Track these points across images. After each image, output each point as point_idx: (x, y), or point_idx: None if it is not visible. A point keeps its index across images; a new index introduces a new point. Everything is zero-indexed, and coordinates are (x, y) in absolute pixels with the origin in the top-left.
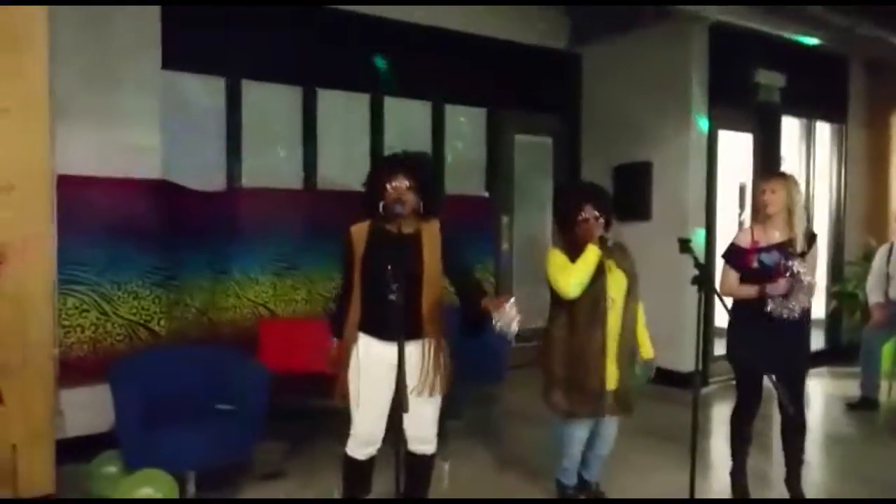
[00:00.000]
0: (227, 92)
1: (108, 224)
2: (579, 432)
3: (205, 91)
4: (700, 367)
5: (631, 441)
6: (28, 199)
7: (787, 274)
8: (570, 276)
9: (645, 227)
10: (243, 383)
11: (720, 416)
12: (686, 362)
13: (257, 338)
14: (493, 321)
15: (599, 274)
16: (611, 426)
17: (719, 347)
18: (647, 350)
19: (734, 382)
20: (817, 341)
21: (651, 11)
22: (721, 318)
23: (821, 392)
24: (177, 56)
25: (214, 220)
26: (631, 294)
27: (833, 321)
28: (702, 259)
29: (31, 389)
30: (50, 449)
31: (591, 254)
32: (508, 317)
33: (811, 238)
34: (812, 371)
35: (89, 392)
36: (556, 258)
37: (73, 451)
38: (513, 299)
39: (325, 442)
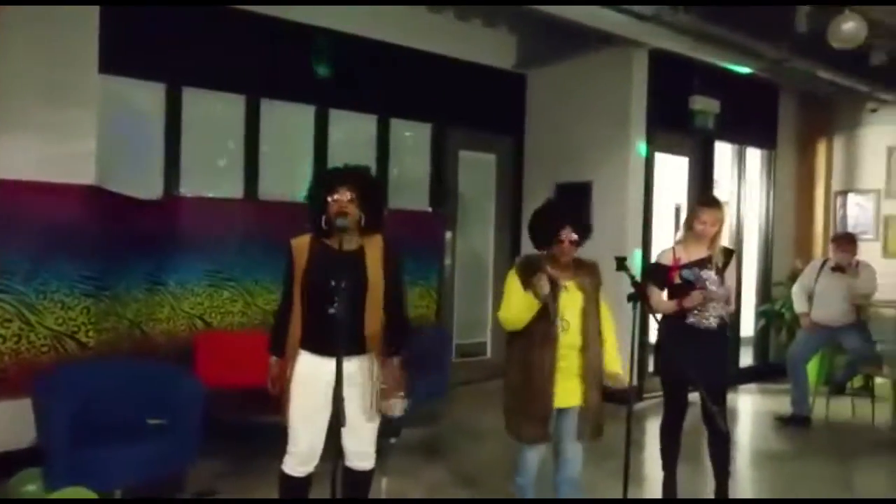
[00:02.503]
0: (166, 98)
1: (36, 230)
2: (532, 455)
3: (144, 97)
4: (635, 382)
5: None
6: None
7: (700, 286)
8: (506, 313)
9: (585, 246)
10: (177, 398)
11: (655, 430)
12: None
13: (193, 351)
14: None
15: (553, 297)
16: (574, 448)
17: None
18: (613, 365)
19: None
20: (746, 358)
21: (594, 37)
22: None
23: (750, 408)
24: (115, 60)
25: (150, 228)
26: (588, 313)
27: (761, 339)
28: (638, 277)
29: None
30: None
31: (528, 303)
32: (394, 407)
33: (728, 254)
34: (741, 387)
35: (9, 406)
36: (510, 284)
37: None
38: (402, 394)
39: (261, 459)
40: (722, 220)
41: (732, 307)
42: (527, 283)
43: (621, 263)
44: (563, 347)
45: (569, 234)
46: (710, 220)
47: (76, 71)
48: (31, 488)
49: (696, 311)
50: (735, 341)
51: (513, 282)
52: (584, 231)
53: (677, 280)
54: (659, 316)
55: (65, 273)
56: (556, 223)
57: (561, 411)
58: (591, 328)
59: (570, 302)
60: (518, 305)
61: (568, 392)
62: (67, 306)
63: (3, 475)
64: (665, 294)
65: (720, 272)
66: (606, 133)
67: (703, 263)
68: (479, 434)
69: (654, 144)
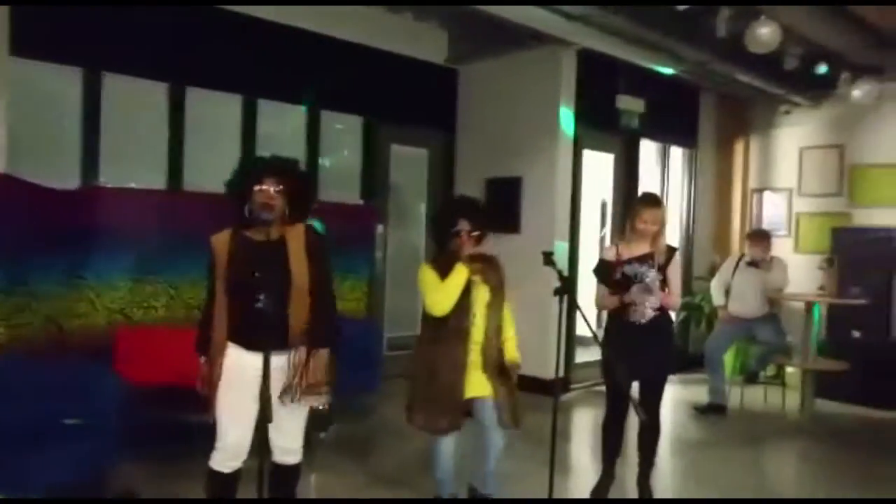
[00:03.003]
0: (83, 83)
1: None
2: (444, 446)
3: (60, 82)
4: (562, 374)
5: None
6: None
7: (637, 281)
8: (438, 296)
9: (514, 240)
10: (95, 396)
11: (581, 421)
12: (550, 370)
13: (113, 347)
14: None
15: (465, 290)
16: (494, 437)
17: (582, 355)
18: (511, 353)
19: (599, 389)
20: None
21: (525, 35)
22: (583, 328)
23: (670, 398)
24: (29, 43)
25: (67, 220)
26: (493, 307)
27: (682, 331)
28: (565, 271)
29: None
30: None
31: (460, 275)
32: (317, 400)
33: (671, 251)
34: None
35: None
36: (427, 275)
37: None
38: (327, 388)
39: (185, 459)
40: (663, 219)
41: (678, 302)
42: (444, 273)
43: (548, 258)
44: (472, 342)
45: (465, 225)
46: (651, 218)
47: None
48: None
49: (635, 307)
50: None
51: (429, 273)
52: (482, 224)
53: (617, 276)
54: (590, 314)
55: None
56: (453, 217)
57: (476, 401)
58: (493, 323)
59: (478, 296)
60: (447, 287)
61: (477, 383)
62: None
63: None
64: (607, 291)
65: (661, 269)
66: (536, 130)
67: (643, 260)
68: (407, 430)
69: (581, 141)
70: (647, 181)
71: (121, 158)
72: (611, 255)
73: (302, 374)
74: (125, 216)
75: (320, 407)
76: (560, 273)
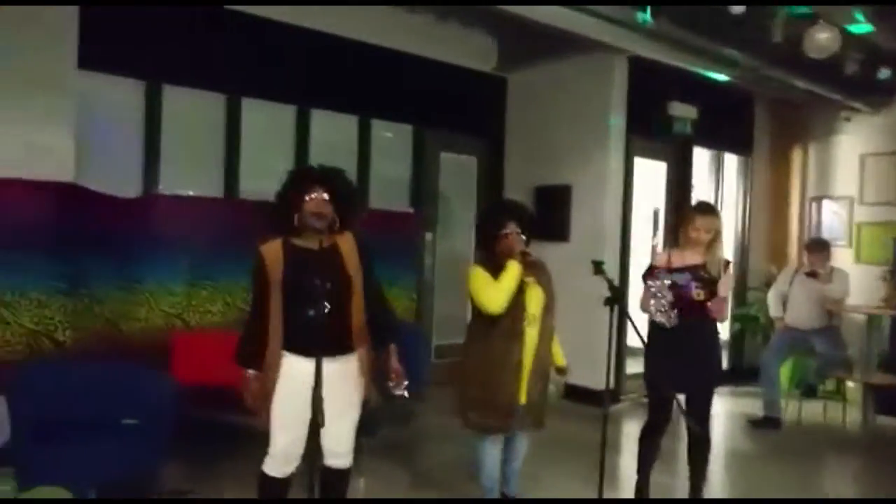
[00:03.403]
0: (146, 95)
1: (12, 227)
2: (493, 448)
3: (123, 93)
4: (611, 384)
5: (542, 457)
6: None
7: (685, 291)
8: (494, 293)
9: (563, 248)
10: (151, 397)
11: (631, 432)
12: (599, 380)
13: (169, 350)
14: (389, 383)
15: (519, 290)
16: (522, 440)
17: (632, 366)
18: (559, 359)
19: (646, 400)
20: (722, 361)
21: (574, 42)
22: (634, 338)
23: (724, 411)
24: (95, 56)
25: (129, 226)
26: (548, 310)
27: (736, 343)
28: (615, 280)
29: None
30: None
31: (513, 269)
32: (400, 387)
33: (725, 264)
34: (716, 390)
35: None
36: (479, 275)
37: None
38: (405, 382)
39: (236, 459)
40: (717, 227)
41: (727, 315)
42: (495, 273)
43: (598, 267)
44: (526, 343)
45: (513, 228)
46: (705, 226)
47: (55, 66)
48: (5, 488)
49: (664, 312)
50: None
51: (480, 272)
52: (528, 227)
53: (665, 282)
54: (640, 323)
55: (42, 271)
56: (501, 219)
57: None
58: (547, 326)
59: (533, 297)
60: (501, 283)
61: (522, 386)
62: (44, 304)
63: None
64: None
65: (714, 281)
66: (586, 137)
67: (695, 270)
68: (452, 435)
69: (632, 149)
70: (701, 189)
71: (179, 167)
72: (661, 262)
73: (385, 370)
74: (182, 223)
75: (405, 395)
76: (610, 282)
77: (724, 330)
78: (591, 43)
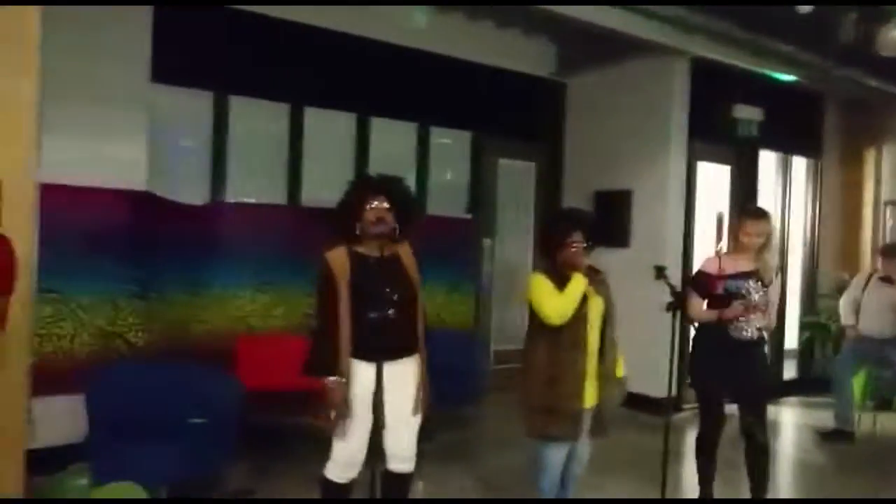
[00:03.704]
0: (213, 106)
1: (90, 233)
2: (558, 454)
3: (192, 104)
4: (673, 392)
5: (603, 467)
6: (10, 207)
7: (741, 297)
8: (559, 304)
9: (623, 254)
10: (218, 398)
11: (693, 441)
12: (660, 388)
13: (234, 353)
14: None
15: (582, 299)
16: (585, 447)
17: None
18: (620, 370)
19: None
20: (790, 371)
21: (635, 45)
22: None
23: (792, 422)
24: (166, 69)
25: (197, 233)
26: (608, 319)
27: (805, 352)
28: (677, 286)
29: (3, 397)
30: (20, 458)
31: (579, 284)
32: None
33: (777, 270)
34: (784, 400)
35: (62, 402)
36: (542, 284)
37: (44, 461)
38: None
39: (296, 460)
40: (769, 231)
41: (774, 322)
42: (557, 282)
43: (661, 272)
44: (588, 352)
45: (579, 238)
46: (756, 231)
47: (129, 79)
48: (81, 482)
49: (737, 322)
50: (778, 353)
51: (543, 281)
52: (593, 237)
53: (720, 290)
54: (694, 325)
55: (116, 275)
56: (567, 228)
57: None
58: (609, 335)
59: (594, 306)
60: (566, 297)
61: (588, 393)
62: (118, 307)
63: (56, 468)
64: (705, 304)
65: (765, 285)
66: (647, 141)
67: (749, 276)
68: (509, 441)
69: (695, 153)
70: (767, 193)
71: (245, 175)
72: (712, 268)
73: (421, 383)
74: (248, 230)
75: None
76: (672, 288)
77: (793, 339)
78: (652, 45)
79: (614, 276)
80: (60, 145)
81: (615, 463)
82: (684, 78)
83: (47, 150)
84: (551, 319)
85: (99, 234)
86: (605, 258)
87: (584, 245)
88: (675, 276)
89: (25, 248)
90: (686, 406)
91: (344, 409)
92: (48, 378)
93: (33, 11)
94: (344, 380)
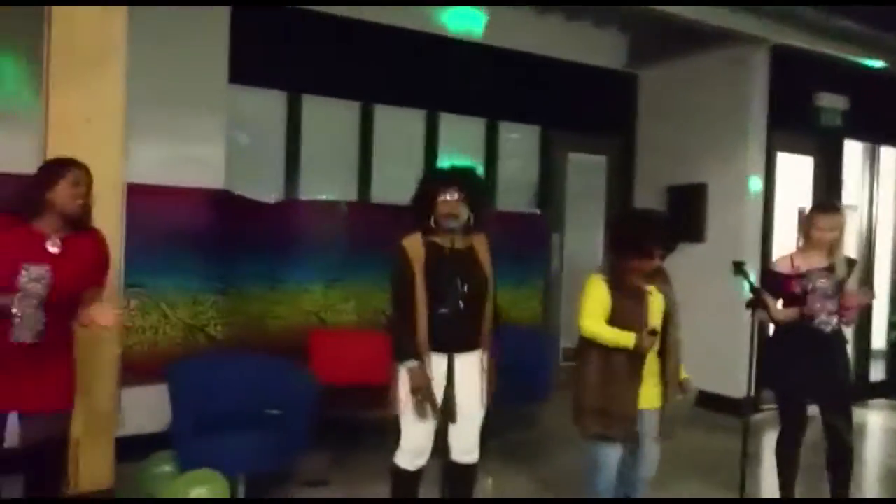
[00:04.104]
0: (287, 105)
1: (173, 231)
2: (612, 454)
3: (267, 104)
4: (752, 392)
5: (678, 469)
6: (100, 205)
7: (816, 293)
8: (591, 327)
9: (698, 249)
10: (294, 391)
11: (772, 444)
12: (738, 388)
13: (308, 347)
14: None
15: (639, 299)
16: (653, 448)
17: None
18: (681, 373)
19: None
20: (877, 372)
21: (711, 34)
22: None
23: (880, 425)
24: (243, 71)
25: (272, 229)
26: (671, 318)
27: (894, 352)
28: (756, 283)
29: (94, 386)
30: (110, 445)
31: (625, 340)
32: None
33: (850, 263)
34: (871, 403)
35: (146, 392)
36: (594, 289)
37: (130, 448)
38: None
39: (367, 453)
40: (841, 226)
41: (855, 317)
42: (616, 290)
43: (739, 268)
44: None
45: (658, 251)
46: (828, 225)
47: (209, 82)
48: (166, 469)
49: (821, 317)
50: (865, 353)
51: (598, 289)
52: (672, 246)
53: (797, 289)
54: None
55: (197, 270)
56: (648, 238)
57: (642, 412)
58: (672, 334)
59: (655, 307)
60: (611, 338)
61: (649, 394)
62: (199, 301)
63: (141, 455)
64: (780, 303)
65: (841, 282)
66: (723, 133)
67: (824, 273)
68: (576, 439)
69: (775, 144)
70: (853, 185)
71: (318, 173)
72: (784, 267)
73: (489, 375)
74: (320, 226)
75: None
76: (752, 284)
77: (880, 338)
78: (729, 34)
79: (688, 272)
80: (146, 147)
81: (690, 466)
82: (764, 66)
83: (134, 153)
84: (580, 329)
85: (181, 231)
86: (679, 254)
87: (661, 255)
88: (753, 272)
89: (113, 244)
90: (765, 406)
91: (428, 393)
92: (134, 369)
93: (119, 25)
94: (417, 363)
